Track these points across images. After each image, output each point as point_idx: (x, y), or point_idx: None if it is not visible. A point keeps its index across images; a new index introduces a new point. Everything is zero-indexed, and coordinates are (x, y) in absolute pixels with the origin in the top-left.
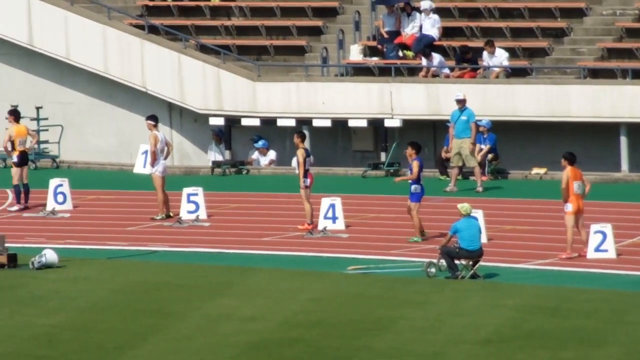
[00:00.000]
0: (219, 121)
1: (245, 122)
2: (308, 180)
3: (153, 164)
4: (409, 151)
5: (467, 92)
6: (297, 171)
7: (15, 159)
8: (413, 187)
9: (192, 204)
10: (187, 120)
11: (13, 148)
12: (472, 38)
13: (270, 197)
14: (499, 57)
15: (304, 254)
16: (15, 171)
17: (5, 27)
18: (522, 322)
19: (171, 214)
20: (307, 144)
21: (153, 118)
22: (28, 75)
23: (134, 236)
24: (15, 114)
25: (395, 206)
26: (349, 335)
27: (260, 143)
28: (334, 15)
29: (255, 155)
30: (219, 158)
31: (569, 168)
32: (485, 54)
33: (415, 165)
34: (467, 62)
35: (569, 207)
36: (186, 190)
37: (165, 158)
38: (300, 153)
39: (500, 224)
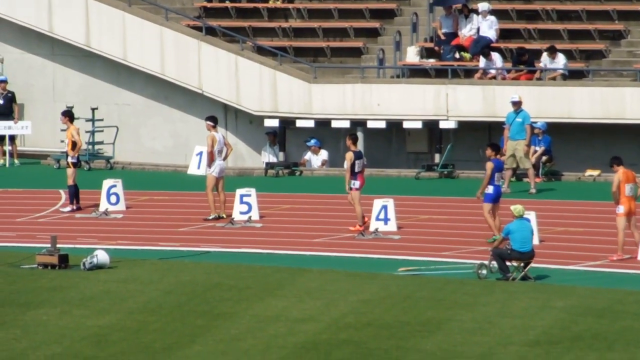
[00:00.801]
0: (274, 123)
1: (299, 123)
2: (358, 183)
3: (210, 165)
4: (488, 152)
5: (523, 94)
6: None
7: (74, 159)
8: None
9: (245, 205)
10: (243, 121)
11: (73, 148)
12: (530, 40)
13: (322, 198)
14: (558, 63)
15: (355, 256)
16: (71, 172)
17: (63, 28)
18: (571, 324)
19: (224, 215)
20: (360, 145)
21: (212, 119)
22: (85, 77)
23: (186, 237)
24: (69, 115)
25: (448, 208)
26: (399, 336)
27: (313, 141)
28: (391, 17)
29: (308, 155)
30: (273, 159)
31: (621, 170)
32: (545, 56)
33: (488, 167)
34: (524, 65)
35: (621, 209)
36: (239, 191)
37: (224, 159)
38: (348, 156)
39: (552, 225)
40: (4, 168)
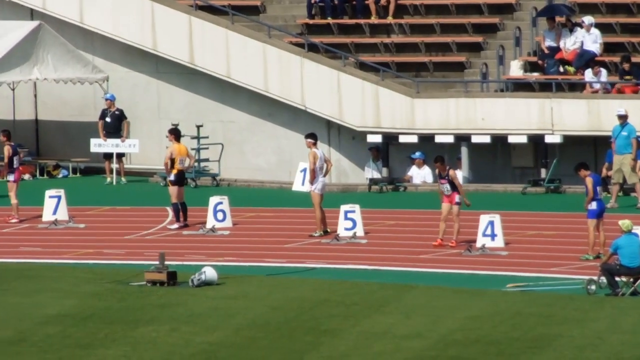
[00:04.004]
0: (377, 138)
1: (402, 139)
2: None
3: (312, 182)
4: (582, 172)
5: (628, 108)
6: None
7: (172, 177)
8: (590, 204)
9: (350, 221)
10: (345, 137)
11: (172, 166)
12: (634, 53)
13: (427, 214)
14: None
15: (461, 272)
16: (172, 189)
17: (167, 46)
18: None
19: (328, 231)
20: (465, 159)
21: (312, 136)
22: (189, 94)
23: (292, 253)
24: (175, 133)
25: (555, 223)
26: (508, 353)
27: (418, 154)
28: (494, 32)
29: (412, 171)
30: (376, 175)
31: None
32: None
33: (588, 182)
34: (627, 73)
35: None
36: (343, 208)
37: (325, 175)
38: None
39: None
40: (112, 186)
